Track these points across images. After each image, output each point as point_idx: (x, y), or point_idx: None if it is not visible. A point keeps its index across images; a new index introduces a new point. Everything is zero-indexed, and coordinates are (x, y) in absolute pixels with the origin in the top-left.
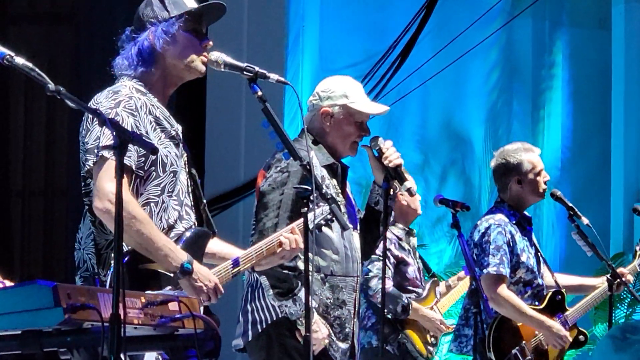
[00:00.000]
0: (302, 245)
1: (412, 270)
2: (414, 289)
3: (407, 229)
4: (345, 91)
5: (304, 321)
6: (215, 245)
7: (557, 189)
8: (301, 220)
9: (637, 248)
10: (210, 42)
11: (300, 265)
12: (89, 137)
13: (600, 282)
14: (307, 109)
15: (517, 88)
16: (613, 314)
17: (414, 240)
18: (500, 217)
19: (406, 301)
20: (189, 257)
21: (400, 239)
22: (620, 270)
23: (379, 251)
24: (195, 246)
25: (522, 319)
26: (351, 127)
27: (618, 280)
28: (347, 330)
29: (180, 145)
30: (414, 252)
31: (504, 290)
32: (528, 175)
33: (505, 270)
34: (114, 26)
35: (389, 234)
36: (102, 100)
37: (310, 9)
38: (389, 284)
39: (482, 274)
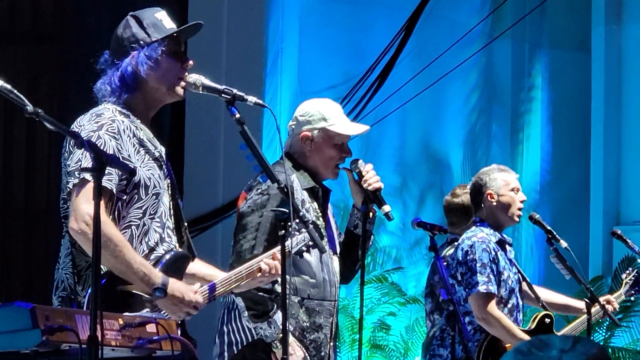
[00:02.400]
0: (279, 267)
1: None
2: None
3: None
4: (323, 114)
5: (278, 344)
6: (195, 266)
7: (535, 212)
8: (266, 254)
9: (624, 276)
10: (191, 62)
11: (277, 288)
12: (71, 160)
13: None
14: (287, 133)
15: (496, 110)
16: (592, 338)
17: None
18: (482, 235)
19: None
20: (163, 279)
21: None
22: (607, 297)
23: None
24: (175, 269)
25: (512, 340)
26: (332, 149)
27: (597, 304)
28: (322, 354)
29: (164, 166)
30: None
31: (494, 309)
32: (501, 191)
33: (494, 288)
34: (99, 46)
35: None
36: (84, 123)
37: (289, 31)
38: None
39: (471, 293)
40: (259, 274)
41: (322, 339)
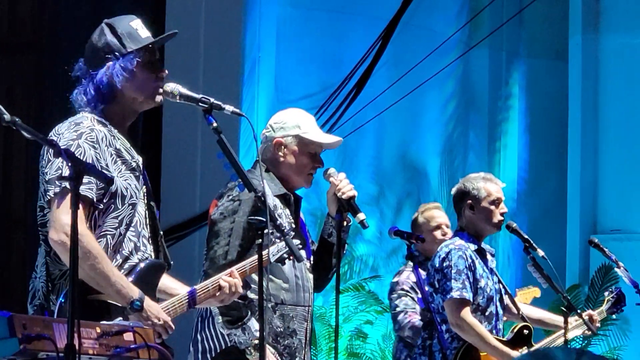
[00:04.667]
0: (240, 290)
1: None
2: None
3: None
4: (297, 122)
5: (252, 350)
6: (165, 281)
7: (512, 221)
8: (241, 264)
9: (606, 294)
10: (166, 71)
11: (250, 294)
12: (50, 168)
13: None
14: (261, 141)
15: (474, 119)
16: (569, 346)
17: None
18: (460, 243)
19: None
20: (140, 294)
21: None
22: (589, 312)
23: (406, 286)
24: (149, 278)
25: (486, 347)
26: (305, 157)
27: (575, 313)
28: (297, 359)
29: (141, 176)
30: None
31: (468, 315)
32: (482, 203)
33: (469, 295)
34: (77, 55)
35: (422, 273)
36: (63, 132)
37: (266, 40)
38: (417, 318)
39: (445, 299)
40: (218, 293)
41: (297, 344)
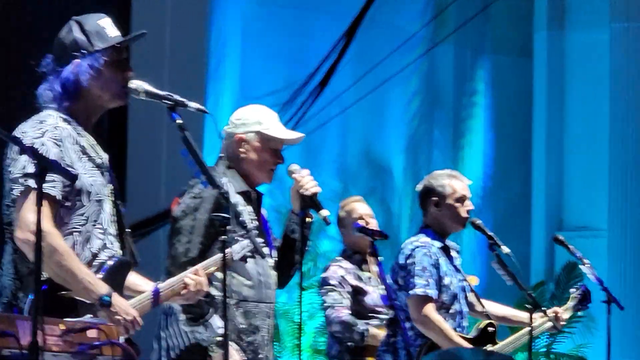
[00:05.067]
0: (206, 288)
1: (371, 298)
2: (378, 315)
3: (365, 258)
4: (259, 118)
5: (215, 347)
6: (133, 278)
7: (477, 218)
8: (206, 262)
9: (572, 291)
10: (132, 73)
11: (212, 290)
12: (14, 167)
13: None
14: (223, 138)
15: (438, 116)
16: (533, 343)
17: (374, 267)
18: (425, 240)
19: (361, 328)
20: (108, 290)
21: (358, 269)
22: (554, 309)
23: (334, 281)
24: (117, 275)
25: (449, 345)
26: (266, 153)
27: (540, 310)
28: (260, 356)
29: (107, 173)
30: (380, 277)
31: (431, 312)
32: (447, 200)
33: (432, 292)
34: (44, 52)
35: (346, 265)
36: (27, 130)
37: (231, 37)
38: (346, 313)
39: (408, 295)
40: (184, 291)
41: (260, 341)
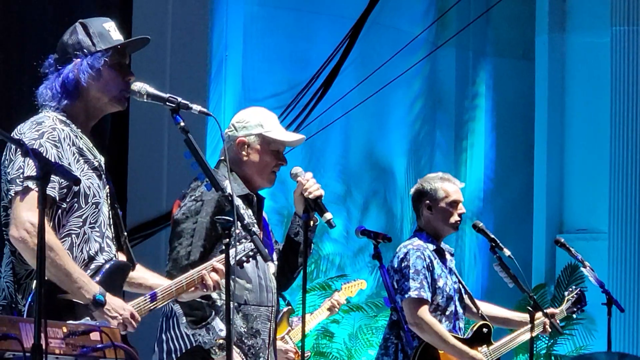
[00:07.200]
0: (222, 283)
1: None
2: None
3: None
4: (260, 121)
5: (217, 350)
6: (142, 275)
7: (479, 220)
8: (222, 256)
9: (566, 294)
10: (133, 77)
11: (213, 294)
12: (11, 167)
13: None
14: (224, 140)
15: (440, 118)
16: (535, 345)
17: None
18: (418, 243)
19: None
20: (101, 290)
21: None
22: (550, 310)
23: None
24: (114, 278)
25: (444, 346)
26: (268, 156)
27: (541, 312)
28: (261, 359)
29: (103, 176)
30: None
31: (426, 314)
32: (439, 203)
33: (427, 294)
34: (43, 54)
35: None
36: (25, 131)
37: (233, 39)
38: None
39: (403, 299)
40: (205, 290)
41: (260, 344)
